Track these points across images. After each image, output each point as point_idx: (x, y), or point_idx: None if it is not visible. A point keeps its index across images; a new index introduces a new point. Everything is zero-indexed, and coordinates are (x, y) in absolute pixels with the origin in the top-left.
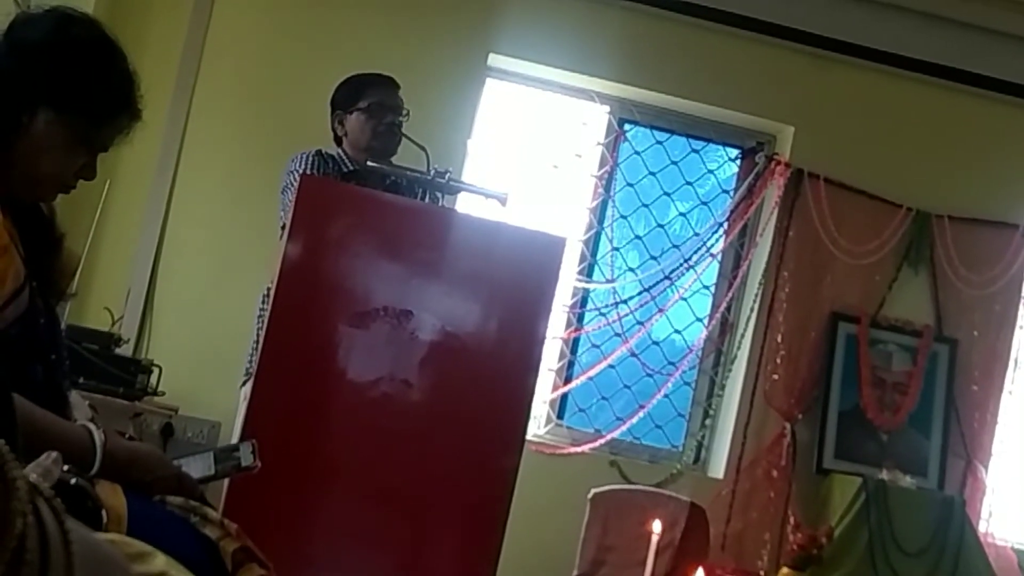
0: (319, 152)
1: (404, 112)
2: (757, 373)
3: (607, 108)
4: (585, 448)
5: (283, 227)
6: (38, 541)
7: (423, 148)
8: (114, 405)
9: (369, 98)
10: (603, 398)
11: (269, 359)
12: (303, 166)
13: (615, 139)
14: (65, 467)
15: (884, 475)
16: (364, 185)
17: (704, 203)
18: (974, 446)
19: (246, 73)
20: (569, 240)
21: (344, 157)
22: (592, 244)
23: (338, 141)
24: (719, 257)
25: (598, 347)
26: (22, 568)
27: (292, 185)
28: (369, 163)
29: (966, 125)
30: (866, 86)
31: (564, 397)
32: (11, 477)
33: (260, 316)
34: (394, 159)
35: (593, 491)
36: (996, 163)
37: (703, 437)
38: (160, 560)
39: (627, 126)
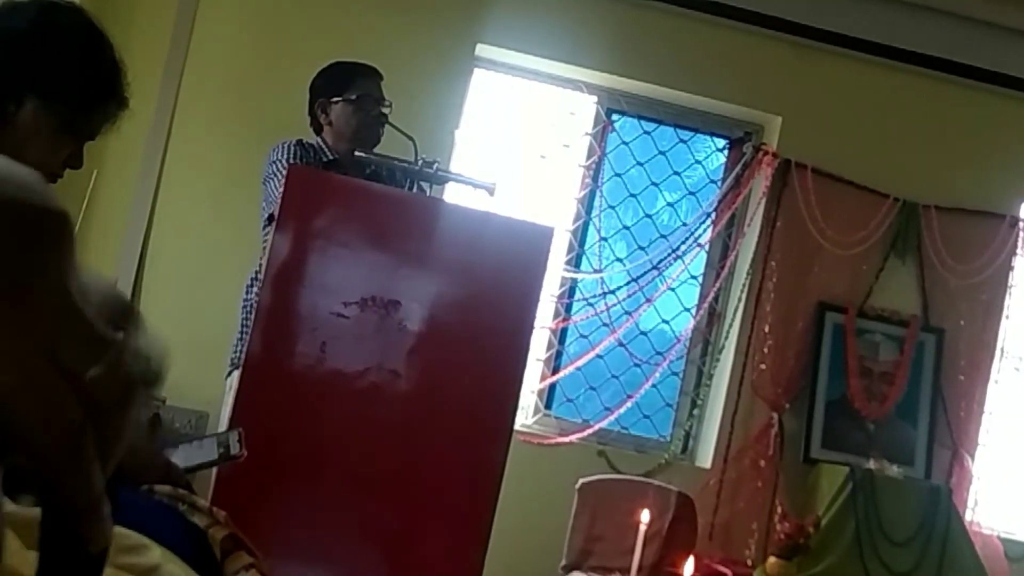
0: (300, 142)
1: (388, 103)
2: (744, 363)
3: (595, 98)
4: (573, 438)
5: (268, 217)
6: None
7: (411, 138)
8: None
9: (357, 89)
10: (591, 388)
11: (257, 349)
12: (285, 156)
13: (603, 129)
14: None
15: (871, 464)
16: (344, 174)
17: (692, 193)
18: (960, 435)
19: (234, 61)
20: (557, 230)
21: (324, 146)
22: (580, 234)
23: (318, 129)
24: (707, 247)
25: (586, 337)
26: None
27: (274, 175)
28: (357, 152)
29: (953, 115)
30: (854, 76)
31: (552, 387)
32: None
33: (245, 305)
34: (379, 149)
35: (581, 481)
36: (983, 153)
37: (691, 427)
38: (156, 552)
39: (615, 116)
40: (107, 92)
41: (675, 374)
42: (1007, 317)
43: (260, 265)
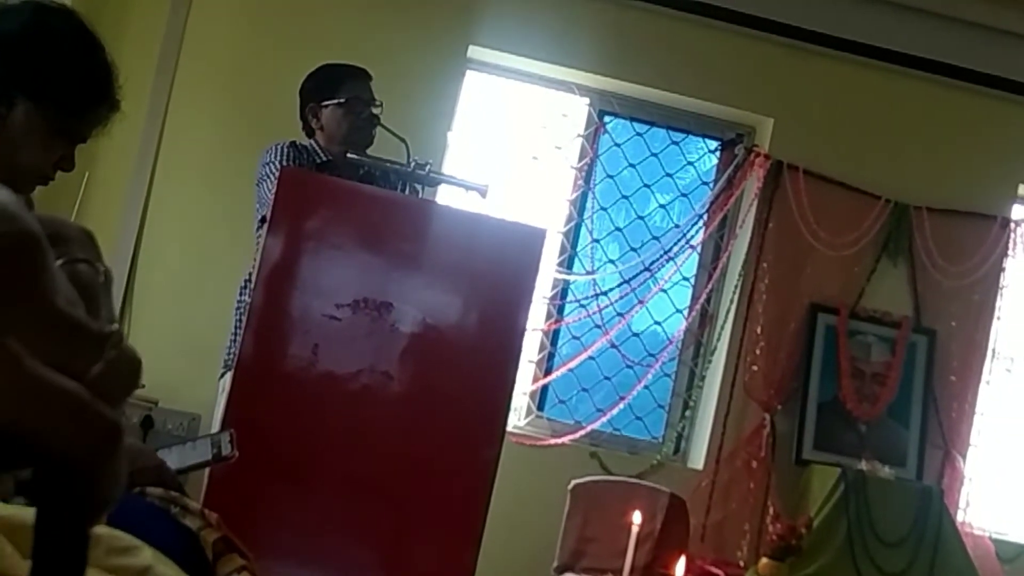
0: (292, 143)
1: (378, 104)
2: (737, 364)
3: (587, 100)
4: (565, 440)
5: (261, 219)
6: None
7: (403, 140)
8: None
9: (346, 92)
10: (583, 390)
11: (249, 351)
12: (278, 157)
13: (595, 131)
14: None
15: (863, 465)
16: (338, 176)
17: (684, 195)
18: (952, 436)
19: (226, 64)
20: (549, 232)
21: (317, 148)
22: (572, 236)
23: (310, 132)
24: (699, 249)
25: (578, 339)
26: None
27: (267, 177)
28: (349, 155)
29: (944, 117)
30: (845, 78)
31: (544, 389)
32: None
33: (239, 307)
34: (373, 151)
35: (573, 482)
36: (974, 155)
37: (683, 428)
38: (147, 553)
39: (607, 118)
40: (99, 95)
41: (667, 375)
42: (998, 318)
43: (254, 267)
